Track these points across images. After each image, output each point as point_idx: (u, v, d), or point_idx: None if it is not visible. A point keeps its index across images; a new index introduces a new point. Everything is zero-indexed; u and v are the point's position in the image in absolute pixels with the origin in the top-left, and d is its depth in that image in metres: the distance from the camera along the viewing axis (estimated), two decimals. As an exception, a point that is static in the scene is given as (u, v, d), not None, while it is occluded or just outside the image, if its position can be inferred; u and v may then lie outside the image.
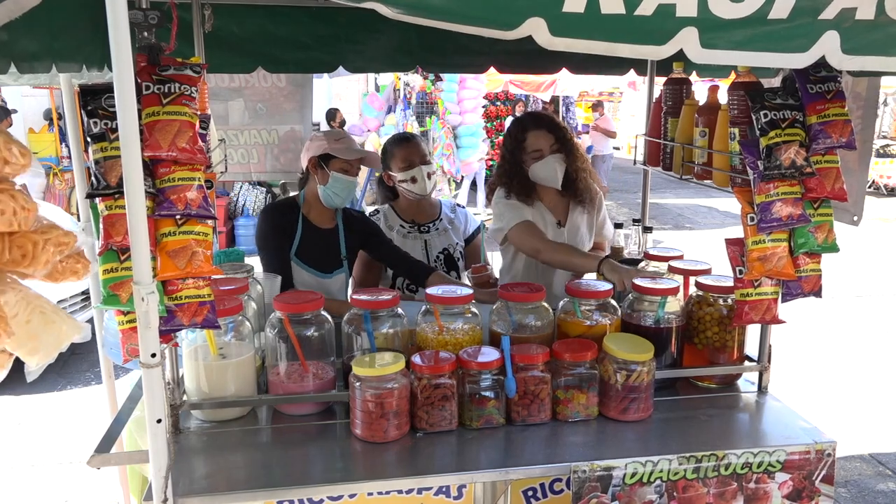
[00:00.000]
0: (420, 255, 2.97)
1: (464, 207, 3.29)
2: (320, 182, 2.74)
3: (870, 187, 14.15)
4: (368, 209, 3.21)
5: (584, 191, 2.85)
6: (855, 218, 2.34)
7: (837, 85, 1.85)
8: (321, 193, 2.76)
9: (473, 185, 11.23)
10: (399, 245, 2.95)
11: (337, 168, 2.72)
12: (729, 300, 2.14)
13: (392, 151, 3.00)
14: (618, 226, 2.82)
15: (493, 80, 11.63)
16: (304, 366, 1.97)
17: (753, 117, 1.87)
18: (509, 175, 2.79)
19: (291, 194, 3.00)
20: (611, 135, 12.52)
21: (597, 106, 13.40)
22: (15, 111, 10.80)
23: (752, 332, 2.20)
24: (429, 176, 2.95)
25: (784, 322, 1.98)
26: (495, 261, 3.09)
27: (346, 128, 10.32)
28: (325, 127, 10.11)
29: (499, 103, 15.07)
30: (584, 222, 2.91)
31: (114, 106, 1.35)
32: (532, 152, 2.73)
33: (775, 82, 2.19)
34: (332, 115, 10.12)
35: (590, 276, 2.98)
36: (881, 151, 14.13)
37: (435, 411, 1.86)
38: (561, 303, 2.17)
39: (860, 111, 2.33)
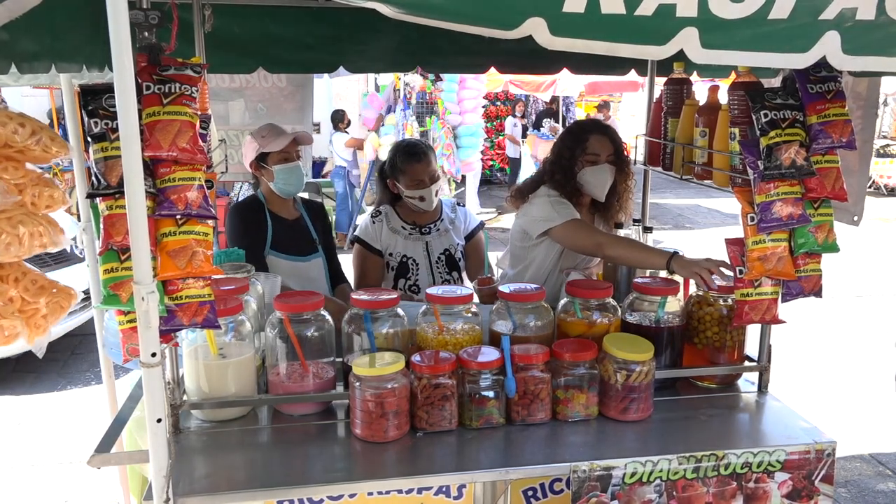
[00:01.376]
0: (422, 256, 2.97)
1: (464, 206, 3.27)
2: (269, 180, 2.83)
3: (870, 187, 14.14)
4: (369, 209, 3.21)
5: (620, 212, 2.78)
6: (855, 218, 2.34)
7: (838, 85, 1.85)
8: (275, 189, 2.85)
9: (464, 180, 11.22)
10: (401, 247, 2.95)
11: (276, 161, 2.80)
12: (729, 300, 2.14)
13: (402, 168, 2.91)
14: (618, 226, 2.82)
15: (493, 80, 11.62)
16: (304, 366, 1.97)
17: (754, 117, 1.87)
18: (564, 174, 2.67)
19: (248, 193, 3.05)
20: None
21: (602, 107, 13.31)
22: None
23: (752, 332, 2.20)
24: (436, 193, 2.94)
25: (784, 322, 1.98)
26: (494, 262, 3.07)
27: (351, 128, 10.30)
28: (326, 128, 10.09)
29: (499, 103, 15.08)
30: None
31: (114, 106, 1.36)
32: (589, 154, 2.64)
33: (775, 82, 2.19)
34: (339, 116, 10.10)
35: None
36: (881, 151, 14.12)
37: (435, 411, 1.86)
38: (561, 303, 2.17)
39: (860, 111, 2.33)
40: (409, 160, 2.91)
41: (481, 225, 3.20)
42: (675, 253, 2.23)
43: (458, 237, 3.09)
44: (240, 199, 3.03)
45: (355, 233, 3.09)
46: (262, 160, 2.81)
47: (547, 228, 2.61)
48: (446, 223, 3.06)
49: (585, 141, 2.66)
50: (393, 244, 2.98)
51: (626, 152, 2.75)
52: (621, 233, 2.74)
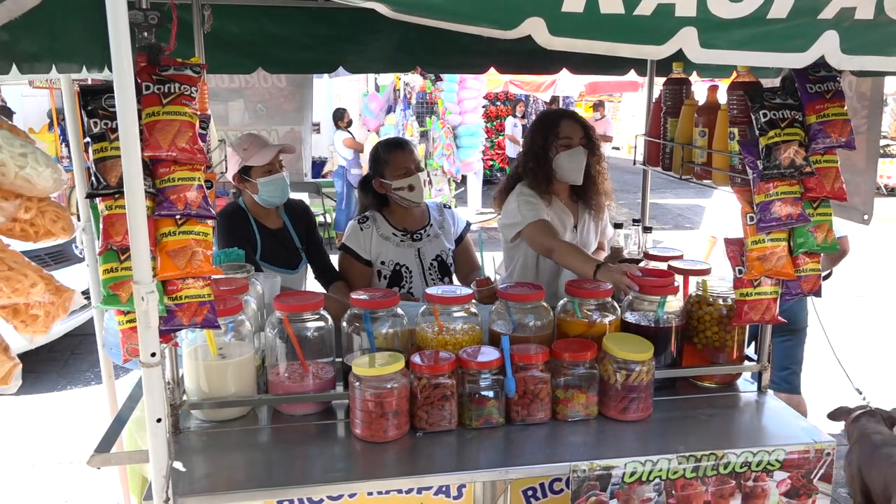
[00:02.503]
0: (414, 263, 2.90)
1: (450, 208, 3.20)
2: (252, 192, 2.83)
3: (870, 187, 14.12)
4: None
5: (601, 194, 2.87)
6: (865, 217, 2.33)
7: (836, 85, 1.85)
8: (260, 200, 2.84)
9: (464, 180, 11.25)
10: (393, 255, 2.89)
11: (260, 174, 2.79)
12: (728, 300, 2.14)
13: (386, 158, 2.86)
14: (617, 226, 2.82)
15: (493, 80, 11.63)
16: (304, 366, 1.97)
17: (753, 117, 1.87)
18: (537, 161, 2.75)
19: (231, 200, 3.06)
20: (607, 139, 12.48)
21: (598, 106, 13.37)
22: (13, 112, 10.81)
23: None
24: (424, 183, 2.91)
25: (784, 322, 1.98)
26: (487, 262, 3.05)
27: (352, 128, 10.30)
28: (326, 128, 10.09)
29: (499, 103, 15.08)
30: (593, 227, 2.94)
31: (114, 106, 1.36)
32: (563, 139, 2.72)
33: (775, 82, 2.19)
34: (339, 115, 10.11)
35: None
36: (882, 151, 14.13)
37: (434, 411, 1.86)
38: (561, 302, 2.17)
39: (865, 111, 2.32)
40: (392, 150, 2.89)
41: (468, 226, 3.15)
42: (602, 264, 2.29)
43: (449, 241, 3.03)
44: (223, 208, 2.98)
45: (342, 239, 2.99)
46: (244, 173, 2.79)
47: (516, 232, 2.70)
48: (436, 227, 3.00)
49: (557, 126, 2.74)
50: (384, 252, 2.88)
51: (596, 137, 2.83)
52: (621, 233, 2.74)
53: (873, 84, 2.31)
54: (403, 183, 2.83)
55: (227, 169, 2.84)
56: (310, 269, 3.11)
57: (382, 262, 2.89)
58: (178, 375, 1.91)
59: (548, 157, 2.73)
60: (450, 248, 3.02)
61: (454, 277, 3.07)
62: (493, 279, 2.83)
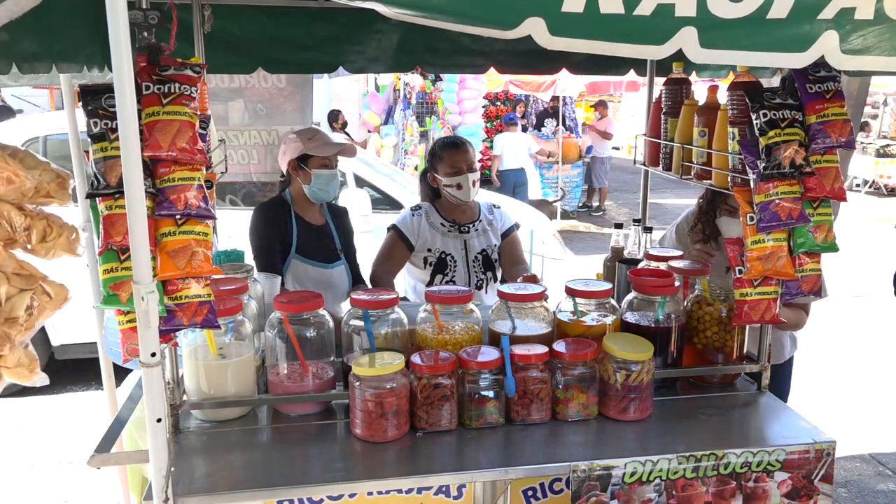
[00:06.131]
0: (459, 254, 3.02)
1: (499, 207, 3.30)
2: (304, 182, 2.85)
3: (870, 187, 14.15)
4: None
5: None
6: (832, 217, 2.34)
7: (836, 85, 1.85)
8: (308, 192, 2.86)
9: None
10: (440, 243, 3.01)
11: (317, 165, 2.83)
12: (729, 300, 2.14)
13: (440, 155, 3.02)
14: (618, 226, 2.81)
15: (493, 80, 11.61)
16: (304, 366, 1.97)
17: (752, 117, 1.87)
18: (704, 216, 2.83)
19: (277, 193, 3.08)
20: (606, 136, 12.45)
21: (599, 105, 13.32)
22: (21, 111, 10.80)
23: (752, 331, 2.20)
24: (473, 183, 3.00)
25: (784, 322, 1.98)
26: (535, 263, 3.10)
27: (351, 128, 10.29)
28: (325, 128, 10.08)
29: (499, 103, 15.05)
30: None
31: (114, 106, 1.36)
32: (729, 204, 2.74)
33: (774, 82, 2.19)
34: (334, 116, 10.11)
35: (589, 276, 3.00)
36: (881, 151, 14.12)
37: (434, 411, 1.86)
38: (560, 302, 2.17)
39: (850, 110, 2.33)
40: (448, 148, 3.02)
41: (516, 225, 3.24)
42: None
43: (496, 238, 3.14)
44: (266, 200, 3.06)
45: (394, 221, 3.12)
46: (302, 161, 2.84)
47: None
48: (484, 224, 3.12)
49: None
50: (432, 240, 3.02)
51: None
52: (621, 233, 2.74)
53: (860, 84, 2.32)
54: (452, 181, 2.97)
55: (278, 160, 2.92)
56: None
57: (429, 250, 3.02)
58: (178, 375, 1.91)
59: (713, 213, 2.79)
60: (496, 243, 3.12)
61: (498, 273, 3.15)
62: (540, 279, 2.85)
